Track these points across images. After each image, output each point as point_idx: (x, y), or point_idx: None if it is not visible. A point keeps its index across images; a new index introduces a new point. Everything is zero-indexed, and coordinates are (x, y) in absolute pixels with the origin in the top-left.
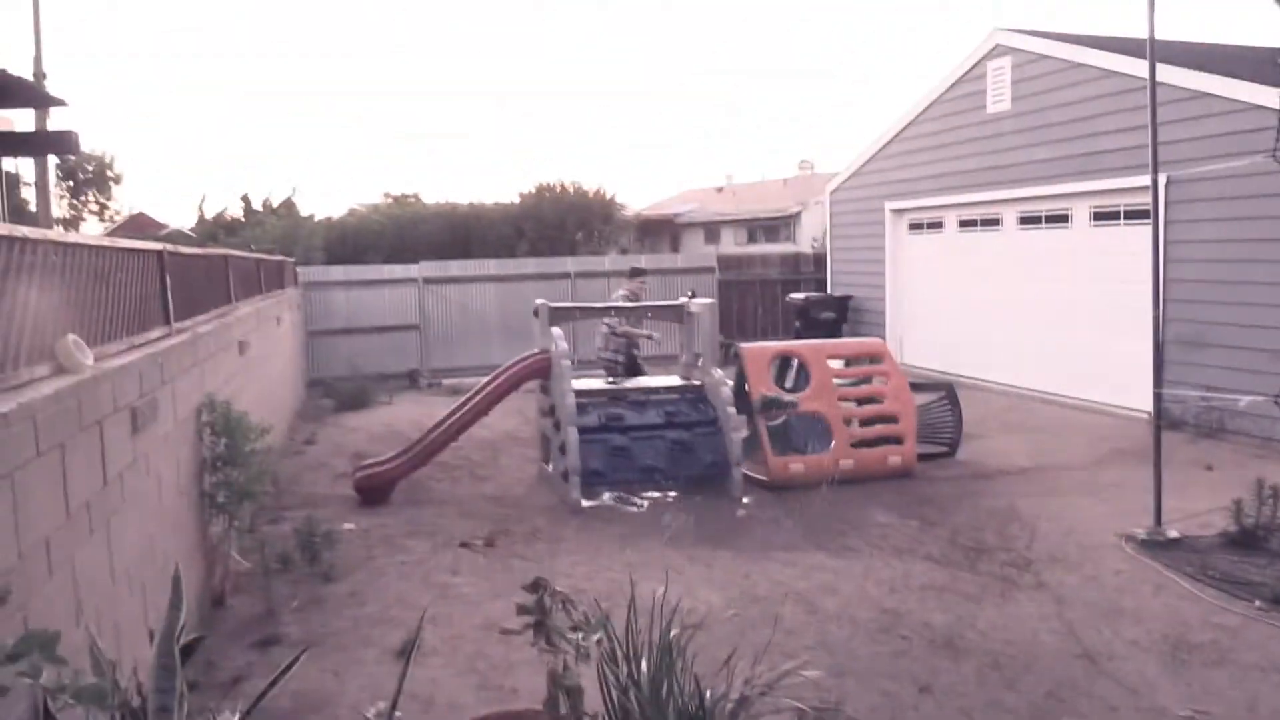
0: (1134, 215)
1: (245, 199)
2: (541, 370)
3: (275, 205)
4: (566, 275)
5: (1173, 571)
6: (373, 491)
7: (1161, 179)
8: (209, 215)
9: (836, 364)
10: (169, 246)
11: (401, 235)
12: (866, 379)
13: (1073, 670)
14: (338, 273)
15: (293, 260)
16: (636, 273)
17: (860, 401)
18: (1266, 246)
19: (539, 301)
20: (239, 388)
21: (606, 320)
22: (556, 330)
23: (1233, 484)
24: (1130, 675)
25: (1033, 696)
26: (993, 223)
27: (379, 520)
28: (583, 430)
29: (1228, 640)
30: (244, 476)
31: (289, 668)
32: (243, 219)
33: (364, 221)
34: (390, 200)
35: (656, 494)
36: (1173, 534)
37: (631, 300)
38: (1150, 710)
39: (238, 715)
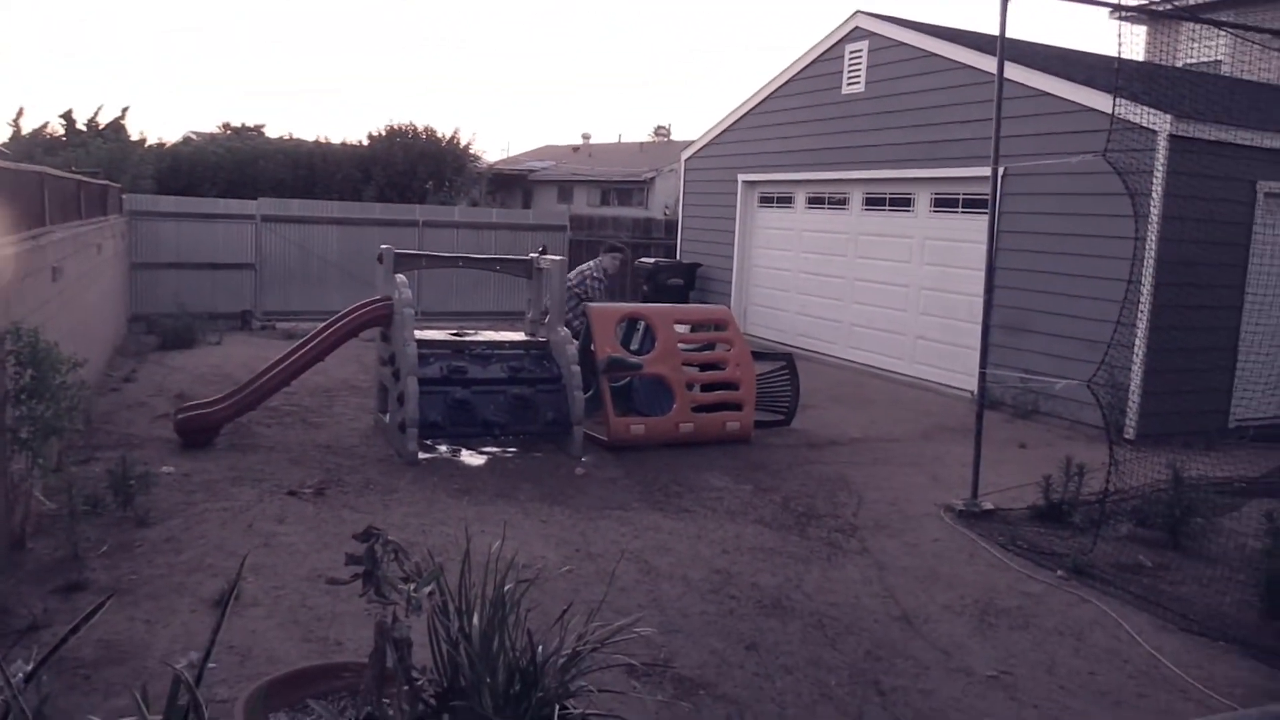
0: (972, 205)
1: (68, 116)
2: (383, 318)
3: (102, 126)
4: (414, 223)
5: (986, 541)
6: (195, 434)
7: (1000, 170)
8: (25, 131)
9: (682, 329)
10: None
11: (241, 170)
12: (710, 345)
13: (891, 632)
14: (168, 203)
15: (118, 186)
16: (614, 249)
17: (703, 367)
18: (1087, 242)
19: (384, 247)
20: (50, 316)
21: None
22: (400, 277)
23: (1043, 462)
24: (943, 638)
25: (853, 656)
26: (840, 202)
27: (201, 465)
28: (423, 381)
29: (1032, 606)
30: (51, 411)
31: (92, 614)
32: (64, 138)
33: (200, 152)
34: (230, 132)
35: (495, 449)
36: (987, 506)
37: (599, 278)
38: (960, 670)
39: (31, 664)
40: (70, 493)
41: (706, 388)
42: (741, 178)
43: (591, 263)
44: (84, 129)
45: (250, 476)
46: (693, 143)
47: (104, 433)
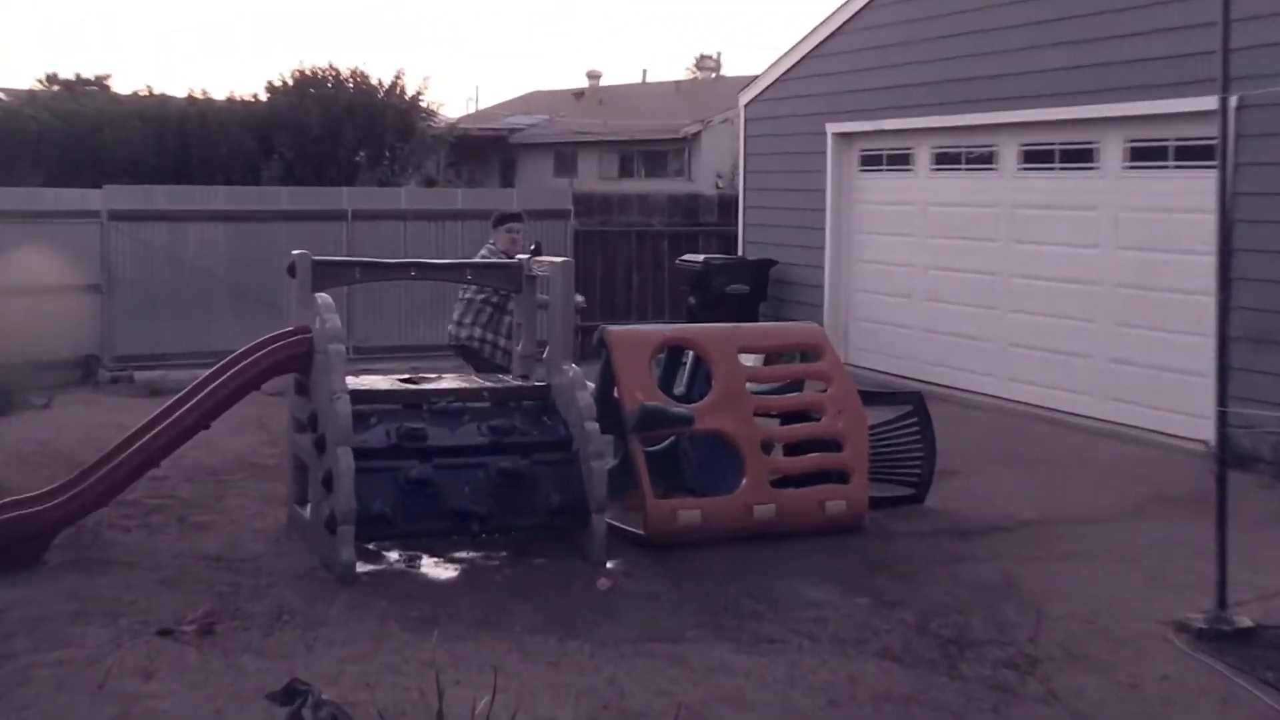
0: (1189, 155)
1: None
2: (298, 360)
3: None
4: (340, 215)
5: (1245, 678)
6: (15, 546)
7: (1231, 101)
8: None
9: (751, 361)
10: None
11: (77, 143)
12: (796, 384)
13: None
14: None
15: None
16: (505, 220)
17: (786, 418)
18: None
19: (297, 253)
20: None
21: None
22: (323, 298)
23: None
24: None
25: None
26: (984, 159)
27: (24, 593)
28: (360, 454)
29: None
30: None
31: None
32: None
33: (13, 117)
34: (59, 88)
35: (474, 554)
36: (1245, 622)
37: (501, 259)
38: None
39: None
40: None
41: (792, 449)
42: (832, 129)
43: (483, 250)
44: None
45: (101, 609)
46: (755, 79)
47: None
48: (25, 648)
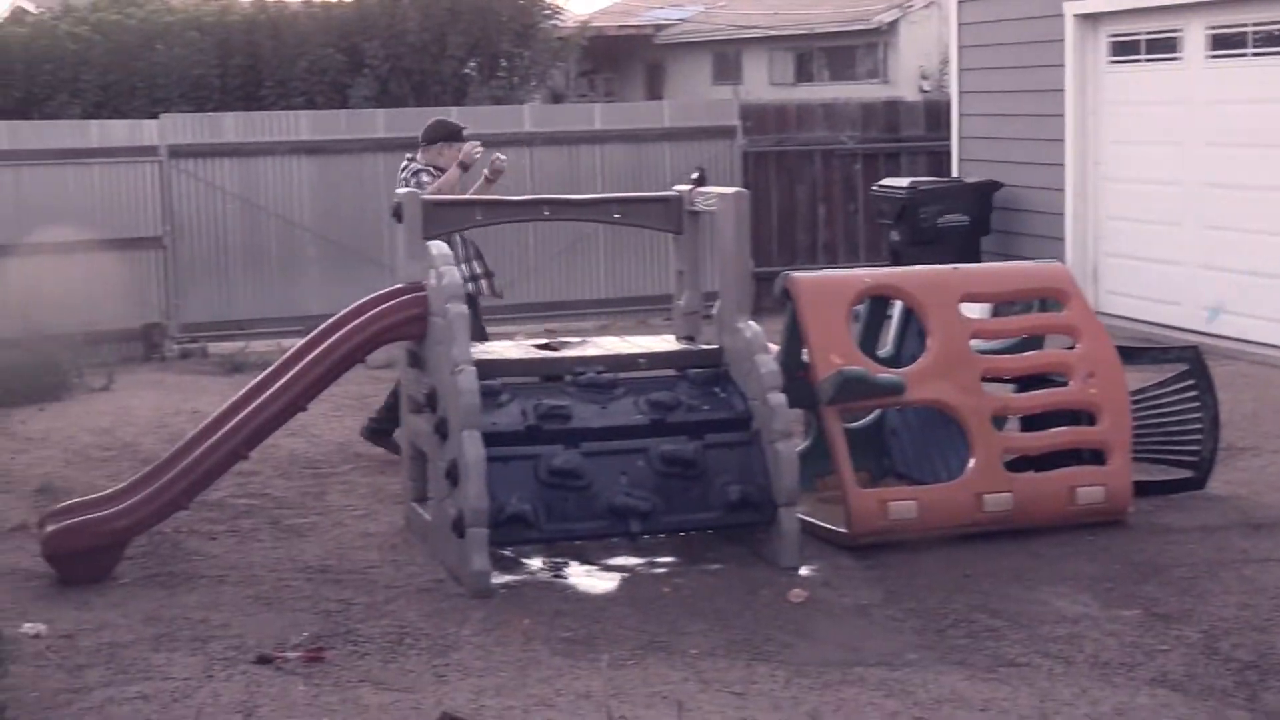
0: None
1: None
2: (409, 325)
3: None
4: None
5: None
6: (80, 559)
7: None
8: None
9: (977, 312)
10: None
11: (126, 63)
12: (1035, 340)
13: None
14: None
15: None
16: (436, 134)
17: (1024, 384)
18: None
19: (403, 191)
20: None
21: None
22: (439, 246)
23: None
24: None
25: None
26: (1274, 41)
27: (95, 615)
28: (493, 439)
29: None
30: None
31: None
32: None
33: (44, 35)
34: None
35: (634, 559)
36: None
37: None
38: None
39: None
40: None
41: (1031, 422)
42: (1072, 8)
43: (403, 173)
44: None
45: (187, 632)
46: None
47: None
48: (100, 680)
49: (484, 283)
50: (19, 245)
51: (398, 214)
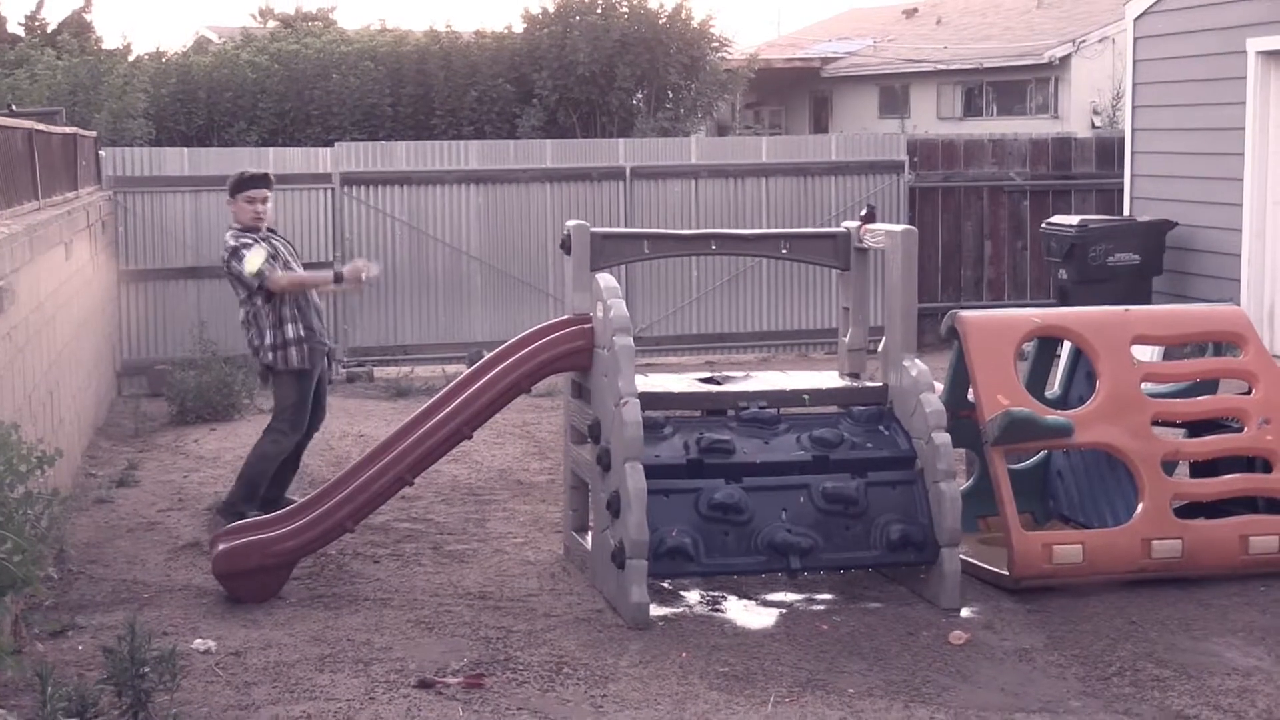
0: None
1: None
2: (575, 356)
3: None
4: (618, 173)
5: None
6: (249, 578)
7: None
8: None
9: (1148, 354)
10: None
11: (300, 92)
12: (1209, 384)
13: None
14: (177, 161)
15: (93, 135)
16: (246, 185)
17: (1195, 428)
18: None
19: (573, 224)
20: None
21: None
22: (606, 279)
23: None
24: None
25: None
26: None
27: (263, 633)
28: (655, 471)
29: None
30: (4, 548)
31: None
32: None
33: (226, 64)
34: (278, 24)
35: (792, 595)
36: None
37: (248, 235)
38: None
39: None
40: (43, 691)
41: (1203, 468)
42: (1256, 45)
43: (227, 234)
44: (23, 33)
45: (350, 654)
46: None
47: (90, 579)
48: (266, 698)
49: (295, 351)
50: (196, 269)
51: (566, 245)
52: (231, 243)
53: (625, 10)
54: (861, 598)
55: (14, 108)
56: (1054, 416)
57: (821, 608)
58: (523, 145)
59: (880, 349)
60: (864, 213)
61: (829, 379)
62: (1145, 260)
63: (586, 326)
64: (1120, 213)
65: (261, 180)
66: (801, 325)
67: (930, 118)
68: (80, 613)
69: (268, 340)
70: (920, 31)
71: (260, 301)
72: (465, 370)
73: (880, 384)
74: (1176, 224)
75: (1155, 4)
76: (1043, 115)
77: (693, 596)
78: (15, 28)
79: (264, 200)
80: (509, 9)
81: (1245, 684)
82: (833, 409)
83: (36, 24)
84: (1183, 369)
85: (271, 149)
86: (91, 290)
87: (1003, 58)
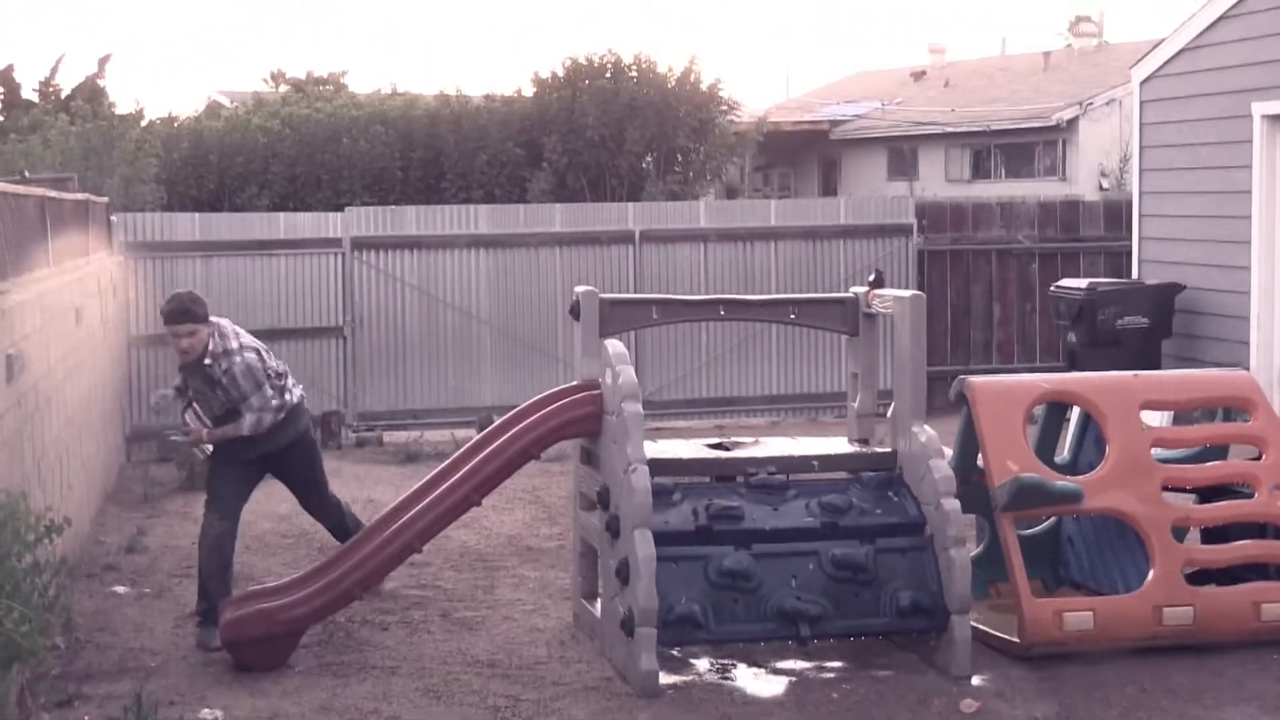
0: None
1: (8, 80)
2: (584, 422)
3: (68, 93)
4: (627, 237)
5: None
6: (257, 646)
7: None
8: None
9: (1158, 420)
10: None
11: (312, 156)
12: (1219, 450)
13: None
14: (187, 226)
15: (105, 201)
16: (166, 319)
17: (1205, 494)
18: None
19: (581, 290)
20: (3, 444)
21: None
22: (615, 345)
23: None
24: None
25: None
26: None
27: (271, 703)
28: (664, 538)
29: None
30: (11, 618)
31: None
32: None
33: (238, 128)
34: (290, 88)
35: (802, 663)
36: None
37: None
38: None
39: None
40: None
41: (1213, 535)
42: (1261, 109)
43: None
44: (36, 98)
45: None
46: (1154, 47)
47: (96, 647)
48: None
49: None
50: None
51: (575, 311)
52: (248, 357)
53: (634, 74)
54: (872, 665)
55: (26, 174)
56: (1063, 482)
57: (832, 675)
58: (532, 209)
59: (889, 414)
60: (872, 277)
61: (838, 445)
62: (1154, 323)
63: (595, 393)
64: (1129, 275)
65: (177, 315)
66: (811, 389)
67: (939, 180)
68: (87, 682)
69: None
70: (928, 94)
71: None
72: (475, 435)
73: (889, 450)
74: (1185, 287)
75: (1161, 68)
76: (1051, 177)
77: (702, 664)
78: (30, 93)
79: (186, 335)
80: (518, 73)
81: None
82: (842, 475)
83: (50, 90)
84: (1192, 434)
85: (282, 214)
86: (101, 355)
87: (1010, 120)
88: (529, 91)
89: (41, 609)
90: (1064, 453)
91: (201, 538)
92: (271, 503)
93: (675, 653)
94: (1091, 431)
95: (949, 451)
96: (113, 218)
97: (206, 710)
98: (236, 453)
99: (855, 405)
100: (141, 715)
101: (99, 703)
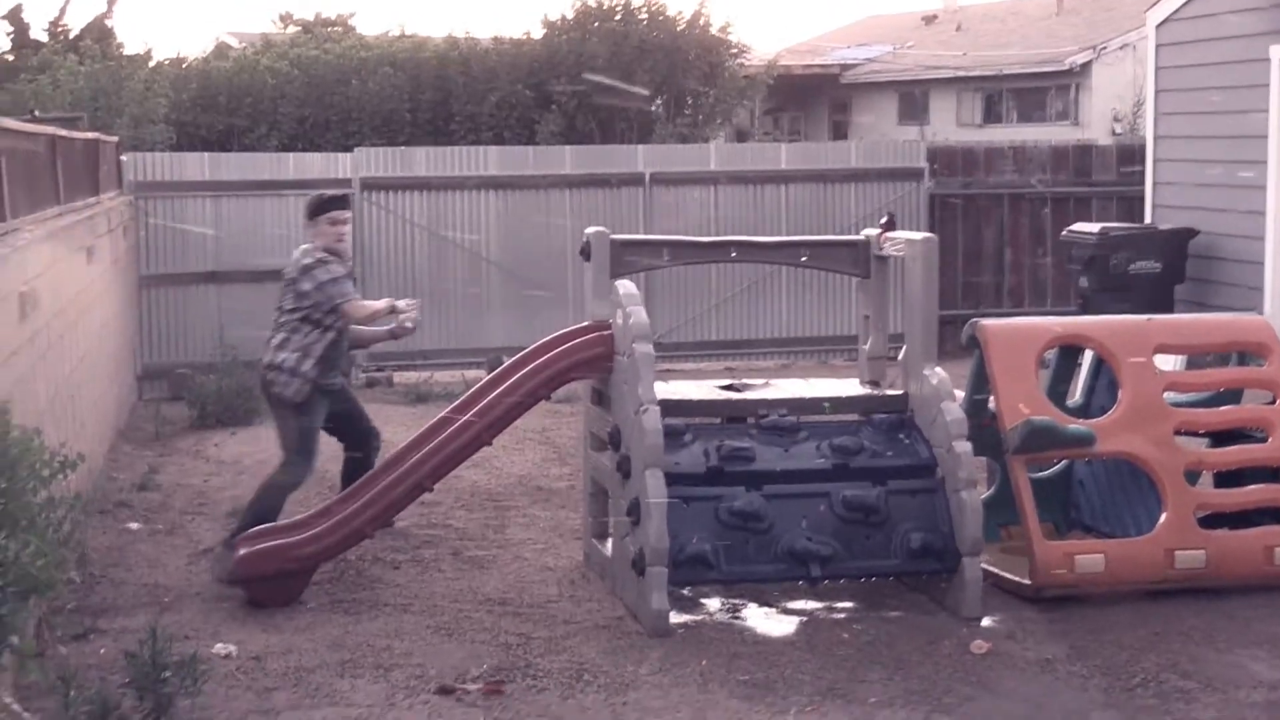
0: None
1: (17, 20)
2: (594, 363)
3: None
4: (637, 179)
5: None
6: (270, 583)
7: None
8: None
9: (1171, 364)
10: None
11: (320, 97)
12: (1233, 394)
13: None
14: (198, 165)
15: (114, 141)
16: (327, 207)
17: (1219, 438)
18: None
19: (592, 231)
20: (18, 379)
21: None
22: (625, 286)
23: None
24: None
25: None
26: None
27: (283, 639)
28: (675, 479)
29: None
30: (29, 550)
31: None
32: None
33: (246, 69)
34: (298, 30)
35: (812, 604)
36: None
37: (326, 260)
38: None
39: None
40: (65, 695)
41: (1226, 478)
42: (1278, 52)
43: (297, 253)
44: (45, 38)
45: (370, 660)
46: None
47: (111, 583)
48: (287, 703)
49: (296, 385)
50: (217, 273)
51: (585, 252)
52: (307, 260)
53: (644, 17)
54: (882, 606)
55: (36, 113)
56: (1075, 425)
57: (842, 616)
58: (542, 151)
59: (901, 357)
60: (884, 220)
61: (849, 387)
62: (1167, 268)
63: (606, 333)
64: (1142, 220)
65: (343, 201)
66: (821, 332)
67: (950, 124)
68: (102, 616)
69: (281, 361)
70: (940, 38)
71: (308, 325)
72: (485, 376)
73: (901, 392)
74: (1199, 232)
75: (1177, 10)
76: (1063, 122)
77: (713, 604)
78: (39, 33)
79: (346, 222)
80: (528, 15)
81: (1271, 697)
82: (853, 417)
83: (59, 30)
84: (1206, 379)
85: (291, 154)
86: (113, 295)
87: (1023, 64)
88: (538, 34)
89: (56, 543)
90: (1076, 396)
91: (275, 485)
92: None
93: (686, 592)
94: (1104, 375)
95: (960, 394)
96: (123, 157)
97: (220, 645)
98: (312, 401)
99: (866, 348)
100: (157, 649)
101: (114, 636)
